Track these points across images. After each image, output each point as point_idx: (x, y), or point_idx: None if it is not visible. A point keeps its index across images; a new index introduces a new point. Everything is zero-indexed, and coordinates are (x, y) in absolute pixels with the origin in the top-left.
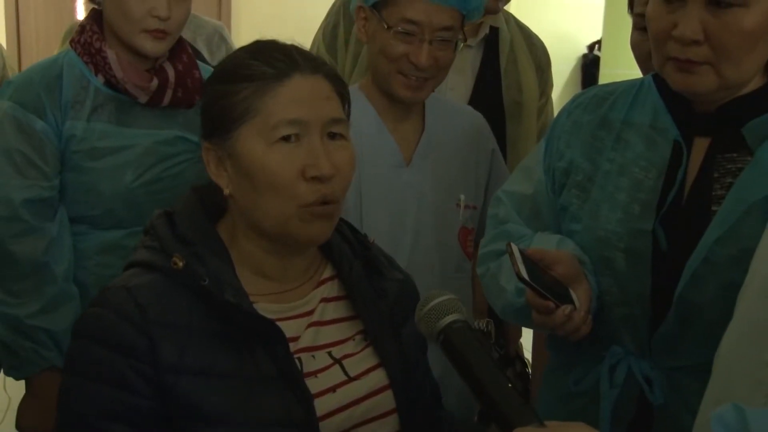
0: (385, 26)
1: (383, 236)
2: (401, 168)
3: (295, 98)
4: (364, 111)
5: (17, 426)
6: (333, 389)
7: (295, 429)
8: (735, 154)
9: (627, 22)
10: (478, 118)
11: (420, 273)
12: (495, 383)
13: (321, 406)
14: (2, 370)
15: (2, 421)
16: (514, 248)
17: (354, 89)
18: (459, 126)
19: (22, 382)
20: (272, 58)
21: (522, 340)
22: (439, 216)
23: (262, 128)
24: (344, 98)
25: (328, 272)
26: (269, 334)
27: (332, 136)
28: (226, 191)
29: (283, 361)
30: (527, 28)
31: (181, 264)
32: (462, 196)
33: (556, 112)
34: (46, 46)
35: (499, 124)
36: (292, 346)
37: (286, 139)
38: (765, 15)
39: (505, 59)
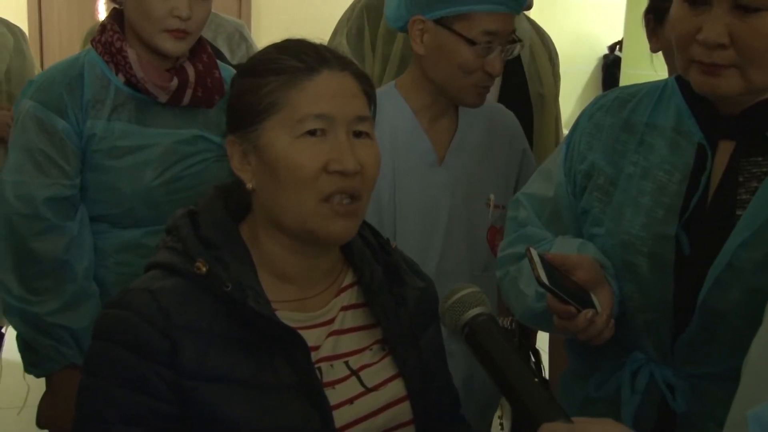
0: (465, 41)
1: (415, 234)
2: (434, 167)
3: (323, 93)
4: (400, 110)
5: (38, 423)
6: (351, 401)
7: None
8: (760, 158)
9: None
10: (509, 117)
11: (449, 271)
12: (520, 377)
13: (338, 417)
14: (23, 367)
15: (21, 411)
16: (534, 253)
17: (389, 88)
18: (491, 125)
19: None
20: (301, 53)
21: (539, 343)
22: (469, 215)
23: (288, 121)
24: (371, 98)
25: (349, 279)
26: (290, 342)
27: (358, 134)
28: (249, 185)
29: (304, 370)
30: (534, 22)
31: (204, 269)
32: (492, 196)
33: (575, 113)
34: (69, 45)
35: (527, 118)
36: (313, 356)
37: (311, 133)
38: None
39: (527, 53)
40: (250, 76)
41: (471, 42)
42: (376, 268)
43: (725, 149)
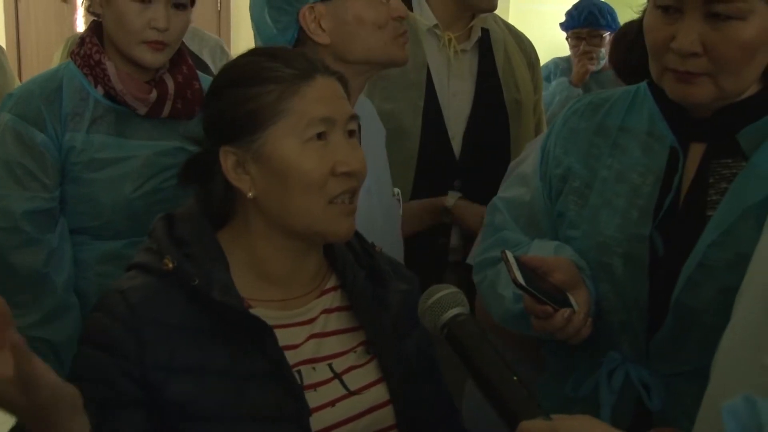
0: None
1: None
2: None
3: (322, 97)
4: None
5: None
6: (332, 404)
7: (287, 422)
8: (730, 160)
9: None
10: (364, 102)
11: None
12: (500, 376)
13: (320, 420)
14: None
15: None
16: (509, 255)
17: None
18: (366, 121)
19: None
20: (292, 60)
21: None
22: (385, 214)
23: (295, 127)
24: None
25: (332, 282)
26: (260, 332)
27: (350, 133)
28: (250, 194)
29: (272, 356)
30: (513, 26)
31: (171, 265)
32: (396, 190)
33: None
34: (47, 58)
35: (502, 124)
36: (293, 356)
37: (318, 136)
38: (762, 27)
39: (501, 59)
40: (244, 86)
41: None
42: (359, 272)
43: (696, 151)
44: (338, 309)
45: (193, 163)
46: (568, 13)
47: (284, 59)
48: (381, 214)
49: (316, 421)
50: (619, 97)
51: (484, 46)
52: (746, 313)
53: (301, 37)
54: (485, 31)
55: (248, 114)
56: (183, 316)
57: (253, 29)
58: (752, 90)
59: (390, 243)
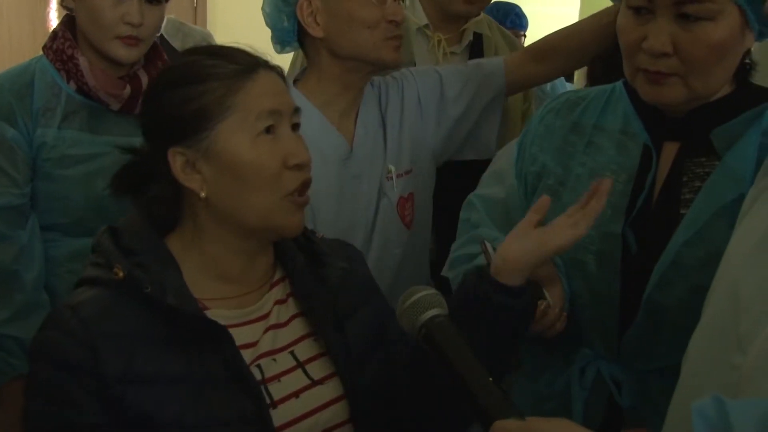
0: None
1: (338, 235)
2: (349, 159)
3: (266, 91)
4: (304, 108)
5: None
6: (296, 395)
7: (248, 425)
8: (703, 159)
9: None
10: (401, 74)
11: (377, 260)
12: (475, 376)
13: (285, 412)
14: None
15: None
16: (488, 246)
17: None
18: (394, 96)
19: None
20: (232, 56)
21: None
22: (380, 197)
23: (243, 122)
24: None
25: (279, 274)
26: (217, 335)
27: (294, 127)
28: (202, 194)
29: (231, 360)
30: (508, 33)
31: (121, 274)
32: (391, 167)
33: None
34: (19, 52)
35: None
36: (252, 353)
37: (267, 130)
38: (731, 29)
39: None
40: (187, 85)
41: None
42: (297, 255)
43: (670, 150)
44: (289, 296)
45: (131, 169)
46: None
47: (225, 56)
48: (370, 199)
49: (282, 413)
50: (595, 95)
51: (476, 51)
52: (716, 312)
53: (302, 28)
54: (478, 36)
55: (194, 113)
56: (137, 324)
57: (263, 14)
58: (725, 90)
59: (383, 226)
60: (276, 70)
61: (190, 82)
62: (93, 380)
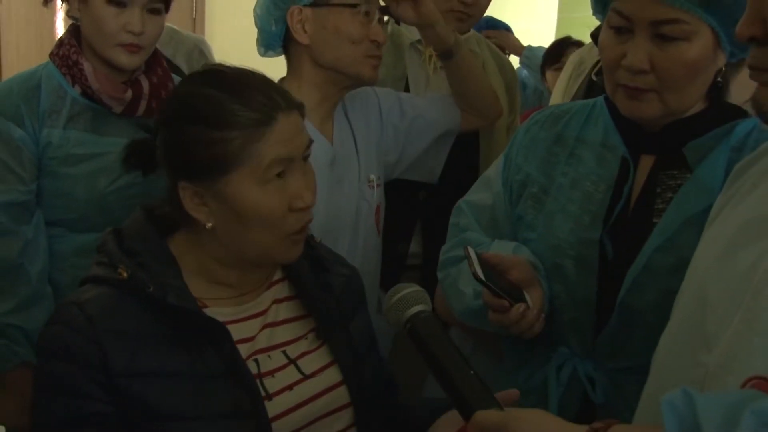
0: (347, 6)
1: (325, 239)
2: (332, 164)
3: (283, 138)
4: None
5: None
6: (290, 387)
7: (245, 420)
8: (676, 171)
9: None
10: (370, 94)
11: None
12: (458, 369)
13: (280, 403)
14: None
15: None
16: (471, 251)
17: None
18: (362, 107)
19: None
20: (255, 101)
21: None
22: (359, 203)
23: (255, 172)
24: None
25: (278, 274)
26: (216, 333)
27: (305, 158)
28: (208, 225)
29: (229, 357)
30: (496, 49)
31: (125, 274)
32: (373, 176)
33: None
34: (27, 59)
35: (473, 141)
36: (249, 347)
37: (278, 175)
38: (705, 49)
39: None
40: (206, 127)
41: (353, 6)
42: (302, 262)
43: (646, 163)
44: (287, 299)
45: (143, 145)
46: None
47: (247, 98)
48: (351, 204)
49: (277, 404)
50: (578, 109)
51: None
52: (684, 313)
53: (288, 34)
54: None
55: (210, 159)
56: (140, 323)
57: (254, 15)
58: (698, 107)
59: (365, 230)
60: (295, 106)
61: (210, 125)
62: (100, 373)
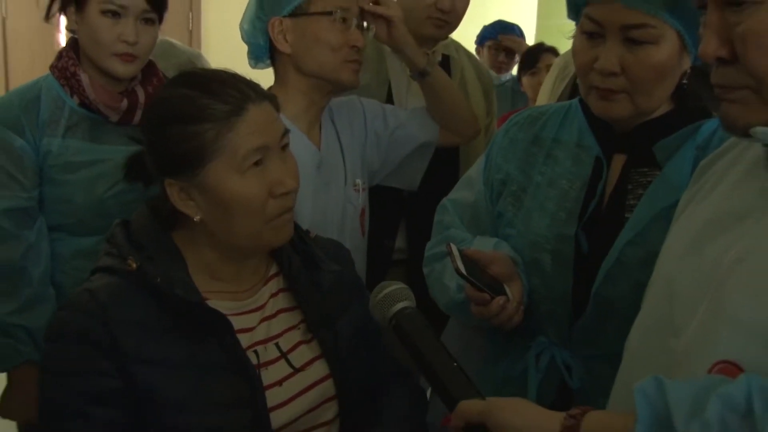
0: (324, 15)
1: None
2: (320, 167)
3: (255, 128)
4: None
5: (0, 414)
6: (279, 383)
7: (244, 409)
8: (646, 169)
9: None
10: (355, 104)
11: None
12: (441, 362)
13: (270, 398)
14: None
15: None
16: (453, 248)
17: None
18: (345, 115)
19: None
20: (225, 94)
21: None
22: (345, 206)
23: (232, 161)
24: (279, 111)
25: (274, 269)
26: (218, 325)
27: (284, 147)
28: (196, 218)
29: (230, 348)
30: (474, 56)
31: (135, 266)
32: (358, 181)
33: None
34: (31, 71)
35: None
36: (248, 338)
37: (256, 163)
38: (672, 52)
39: (457, 83)
40: (181, 123)
41: (329, 13)
42: (294, 257)
43: (618, 162)
44: (281, 291)
45: (141, 158)
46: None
47: (217, 92)
48: (338, 206)
49: (271, 397)
50: (554, 111)
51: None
52: (653, 303)
53: (273, 45)
54: (446, 57)
55: (187, 152)
56: (146, 313)
57: (240, 31)
58: (665, 108)
59: (350, 231)
60: (266, 97)
61: (184, 121)
62: (112, 354)
